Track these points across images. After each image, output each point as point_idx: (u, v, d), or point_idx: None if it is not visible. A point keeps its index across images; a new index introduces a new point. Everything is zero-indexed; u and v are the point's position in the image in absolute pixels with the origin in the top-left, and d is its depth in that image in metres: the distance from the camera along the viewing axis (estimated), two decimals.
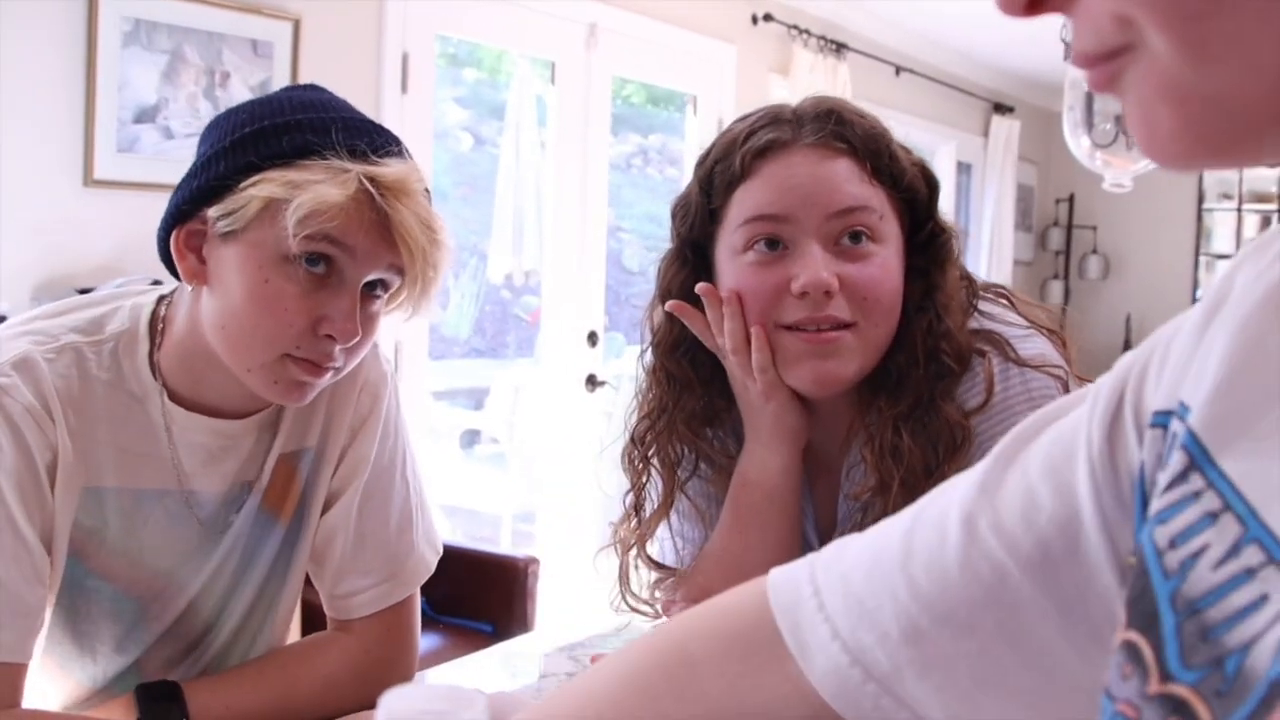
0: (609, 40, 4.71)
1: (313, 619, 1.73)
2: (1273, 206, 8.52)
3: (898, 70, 6.66)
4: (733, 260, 1.23)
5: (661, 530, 1.39)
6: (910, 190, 1.25)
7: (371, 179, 1.20)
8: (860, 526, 1.21)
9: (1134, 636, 0.51)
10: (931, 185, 1.28)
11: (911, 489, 1.14)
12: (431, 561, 1.49)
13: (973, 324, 1.27)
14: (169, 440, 1.31)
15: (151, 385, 1.30)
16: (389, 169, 1.21)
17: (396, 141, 1.27)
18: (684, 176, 5.61)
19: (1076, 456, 0.61)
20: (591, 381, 4.76)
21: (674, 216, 1.32)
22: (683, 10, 5.07)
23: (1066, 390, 1.24)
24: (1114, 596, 0.58)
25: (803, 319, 1.19)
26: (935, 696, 0.64)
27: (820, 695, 0.67)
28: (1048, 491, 0.61)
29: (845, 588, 0.68)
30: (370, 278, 1.25)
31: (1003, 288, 1.35)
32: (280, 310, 1.21)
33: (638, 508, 1.37)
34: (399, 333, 3.86)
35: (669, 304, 1.29)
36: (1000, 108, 7.96)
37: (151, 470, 1.31)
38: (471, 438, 7.10)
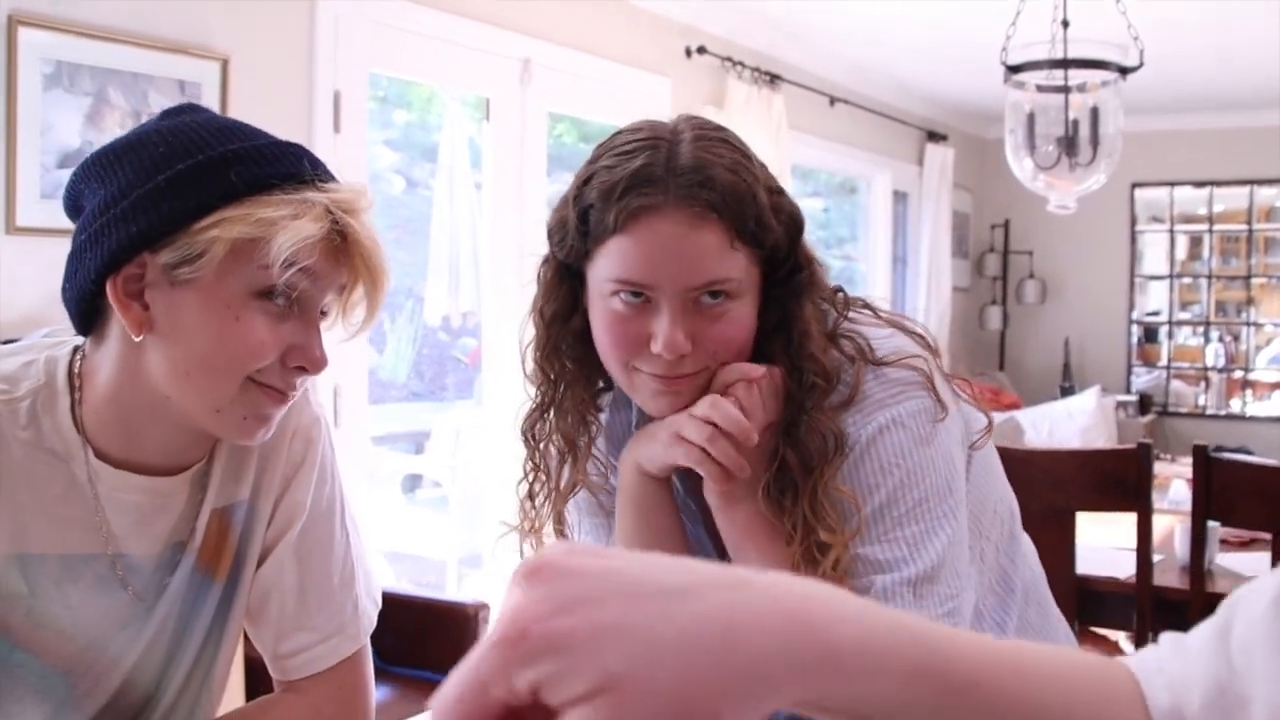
0: (543, 75, 4.67)
1: (257, 678, 1.64)
2: (1203, 227, 8.65)
3: (832, 101, 6.69)
4: (601, 300, 1.30)
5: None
6: (773, 247, 1.31)
7: (337, 206, 1.18)
8: None
9: None
10: (796, 229, 1.34)
11: (793, 489, 1.29)
12: (374, 615, 1.43)
13: (841, 332, 1.36)
14: (95, 500, 1.23)
15: (75, 442, 1.22)
16: (342, 192, 1.20)
17: (312, 156, 1.24)
18: None
19: None
20: None
21: (550, 236, 1.37)
22: (617, 44, 5.05)
23: (930, 381, 1.32)
24: None
25: (658, 373, 1.29)
26: None
27: None
28: None
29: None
30: (325, 300, 1.23)
31: (867, 301, 1.44)
32: (256, 345, 1.17)
33: (532, 495, 1.44)
34: (337, 378, 3.77)
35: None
36: (934, 136, 8.02)
37: (78, 534, 1.23)
38: (413, 482, 7.02)
